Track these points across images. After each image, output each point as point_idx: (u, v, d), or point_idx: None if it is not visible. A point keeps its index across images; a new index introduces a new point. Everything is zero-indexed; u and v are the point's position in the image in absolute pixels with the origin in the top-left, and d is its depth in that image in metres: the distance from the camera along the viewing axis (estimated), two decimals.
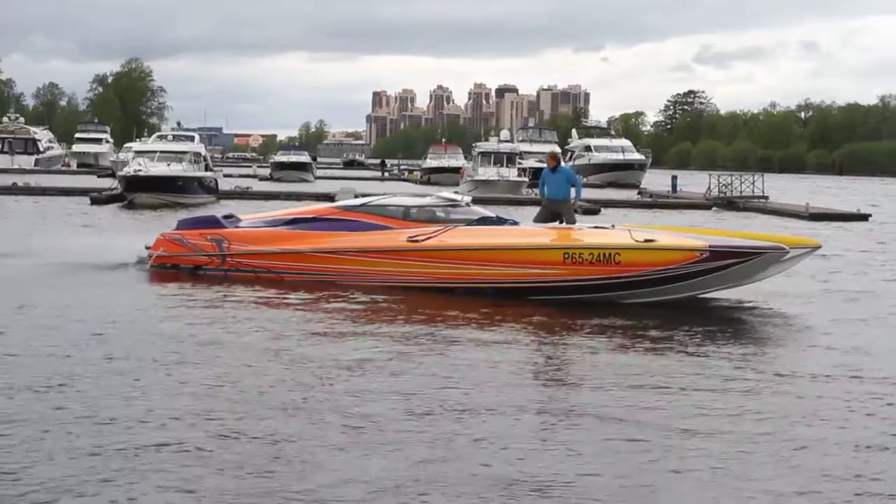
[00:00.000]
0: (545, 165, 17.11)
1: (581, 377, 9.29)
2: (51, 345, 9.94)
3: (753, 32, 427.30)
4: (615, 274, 13.09)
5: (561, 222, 16.01)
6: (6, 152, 74.04)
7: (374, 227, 14.69)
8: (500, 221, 15.02)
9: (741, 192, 43.03)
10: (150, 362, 9.29)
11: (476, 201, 17.41)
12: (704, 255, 12.92)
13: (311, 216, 15.57)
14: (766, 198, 42.09)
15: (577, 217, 17.28)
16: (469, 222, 14.68)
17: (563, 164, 16.87)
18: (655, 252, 13.10)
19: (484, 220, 14.87)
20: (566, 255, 13.28)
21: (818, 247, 14.88)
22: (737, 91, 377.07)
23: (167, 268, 15.36)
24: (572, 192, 16.74)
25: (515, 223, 15.27)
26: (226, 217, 16.25)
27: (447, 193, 16.49)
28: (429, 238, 14.10)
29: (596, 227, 14.95)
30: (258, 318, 11.89)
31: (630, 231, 13.80)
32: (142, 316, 11.97)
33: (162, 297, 13.89)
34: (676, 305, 13.24)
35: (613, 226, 14.71)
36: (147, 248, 15.71)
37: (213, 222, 15.93)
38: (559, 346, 10.91)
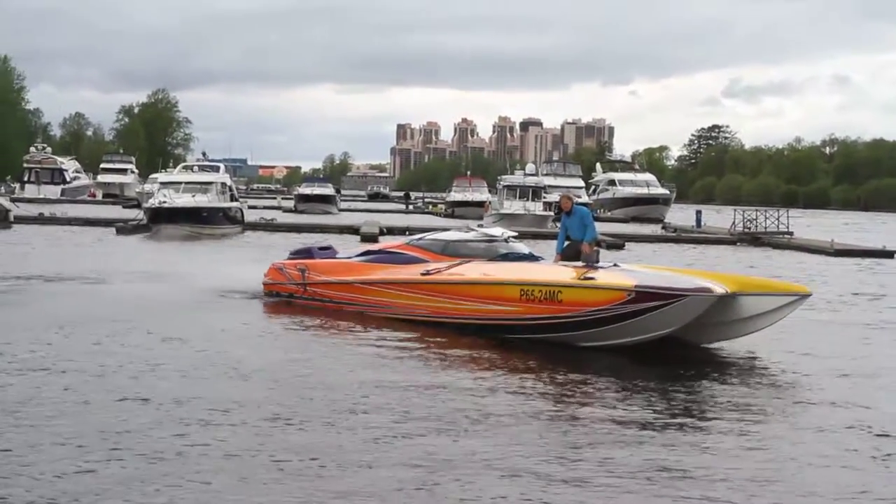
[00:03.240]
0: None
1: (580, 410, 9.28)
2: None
3: (784, 66, 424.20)
4: (558, 314, 12.47)
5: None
6: (33, 182, 74.79)
7: (416, 261, 14.95)
8: (528, 258, 14.67)
9: (766, 228, 42.83)
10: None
11: None
12: (631, 296, 11.98)
13: (377, 249, 16.49)
14: (791, 233, 41.92)
15: (602, 253, 16.94)
16: (492, 258, 14.54)
17: (575, 203, 16.33)
18: (589, 291, 12.33)
19: (508, 257, 14.57)
20: (522, 293, 12.81)
21: (808, 295, 13.11)
22: (765, 126, 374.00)
23: (273, 295, 16.44)
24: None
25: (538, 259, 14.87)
26: (322, 248, 17.30)
27: (492, 229, 16.82)
28: (437, 272, 14.22)
29: (591, 266, 13.69)
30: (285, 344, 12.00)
31: (588, 269, 13.07)
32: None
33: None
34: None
35: (616, 264, 13.75)
36: (265, 275, 16.78)
37: (306, 252, 16.97)
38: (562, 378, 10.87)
